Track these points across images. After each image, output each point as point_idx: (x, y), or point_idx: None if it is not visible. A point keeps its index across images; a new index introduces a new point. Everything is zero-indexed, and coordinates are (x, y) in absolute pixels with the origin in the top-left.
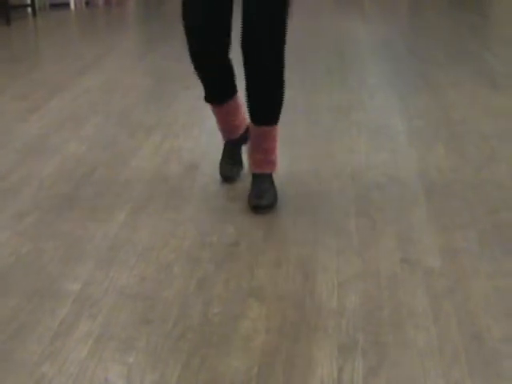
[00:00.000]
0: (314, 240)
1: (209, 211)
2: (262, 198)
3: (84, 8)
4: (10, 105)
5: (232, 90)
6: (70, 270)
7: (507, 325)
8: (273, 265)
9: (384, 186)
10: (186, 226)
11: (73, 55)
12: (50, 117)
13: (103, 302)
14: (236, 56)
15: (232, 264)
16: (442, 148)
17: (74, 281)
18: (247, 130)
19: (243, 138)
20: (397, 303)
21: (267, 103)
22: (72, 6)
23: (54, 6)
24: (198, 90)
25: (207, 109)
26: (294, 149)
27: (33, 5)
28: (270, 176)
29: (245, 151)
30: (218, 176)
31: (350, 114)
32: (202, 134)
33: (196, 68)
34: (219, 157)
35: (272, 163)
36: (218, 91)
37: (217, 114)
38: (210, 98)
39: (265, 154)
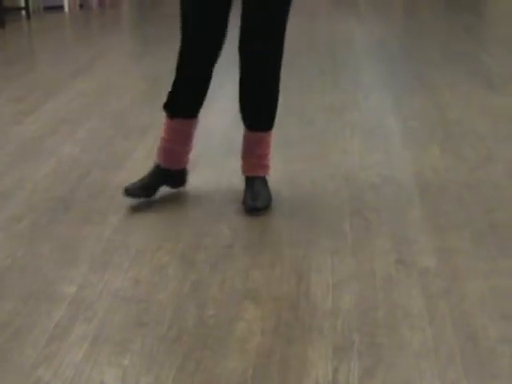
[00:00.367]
0: (308, 241)
1: (203, 213)
2: (257, 200)
3: (78, 10)
4: (5, 107)
5: (201, 106)
6: (65, 273)
7: (503, 325)
8: (267, 266)
9: (378, 186)
10: (180, 228)
11: (67, 58)
12: (44, 119)
13: (98, 304)
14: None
15: (227, 266)
16: (437, 148)
17: (69, 284)
18: (185, 172)
19: (179, 178)
20: (392, 304)
21: (263, 108)
22: (66, 8)
23: (48, 8)
24: None
25: (202, 111)
26: (287, 150)
27: (27, 7)
28: (263, 178)
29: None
30: (212, 178)
31: (344, 115)
32: (197, 136)
33: (184, 74)
34: (213, 158)
35: (266, 167)
36: (195, 101)
37: (177, 130)
38: (183, 108)
39: (259, 159)
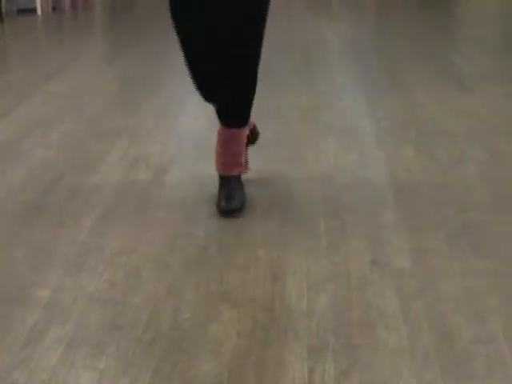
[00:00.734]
0: (283, 242)
1: (177, 215)
2: (231, 202)
3: (51, 13)
4: None
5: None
6: (39, 277)
7: (477, 325)
8: (242, 268)
9: (353, 187)
10: (154, 230)
11: (40, 61)
12: (17, 122)
13: (73, 308)
14: None
15: (201, 268)
16: (410, 149)
17: (44, 287)
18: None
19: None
20: (367, 305)
21: (239, 104)
22: (39, 11)
23: (20, 11)
24: (166, 95)
25: (175, 114)
26: (261, 151)
27: (0, 11)
28: (238, 178)
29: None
30: (186, 180)
31: (317, 116)
32: (170, 139)
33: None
34: (187, 161)
35: (240, 165)
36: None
37: None
38: None
39: (233, 156)
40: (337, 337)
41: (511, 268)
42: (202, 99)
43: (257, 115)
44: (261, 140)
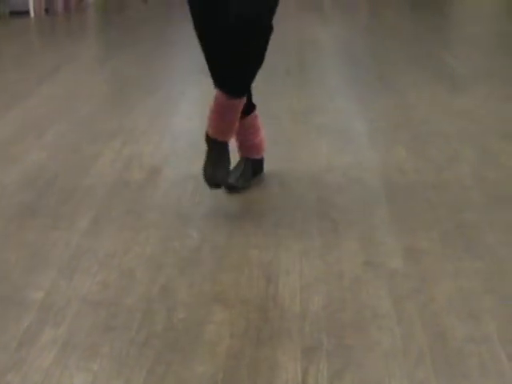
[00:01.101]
0: (276, 243)
1: (171, 216)
2: (217, 169)
3: (43, 15)
4: None
5: None
6: (33, 279)
7: (471, 325)
8: (235, 269)
9: (346, 188)
10: (147, 231)
11: (33, 63)
12: (11, 125)
13: (67, 309)
14: None
15: (195, 269)
16: (403, 149)
17: (38, 289)
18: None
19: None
20: (360, 305)
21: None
22: (32, 13)
23: (13, 13)
24: (160, 95)
25: (169, 114)
26: None
27: None
28: (226, 146)
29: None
30: (179, 181)
31: (310, 117)
32: (164, 139)
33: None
34: (181, 161)
35: (232, 132)
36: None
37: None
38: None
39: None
40: (330, 337)
41: (505, 268)
42: (210, 71)
43: None
44: None
